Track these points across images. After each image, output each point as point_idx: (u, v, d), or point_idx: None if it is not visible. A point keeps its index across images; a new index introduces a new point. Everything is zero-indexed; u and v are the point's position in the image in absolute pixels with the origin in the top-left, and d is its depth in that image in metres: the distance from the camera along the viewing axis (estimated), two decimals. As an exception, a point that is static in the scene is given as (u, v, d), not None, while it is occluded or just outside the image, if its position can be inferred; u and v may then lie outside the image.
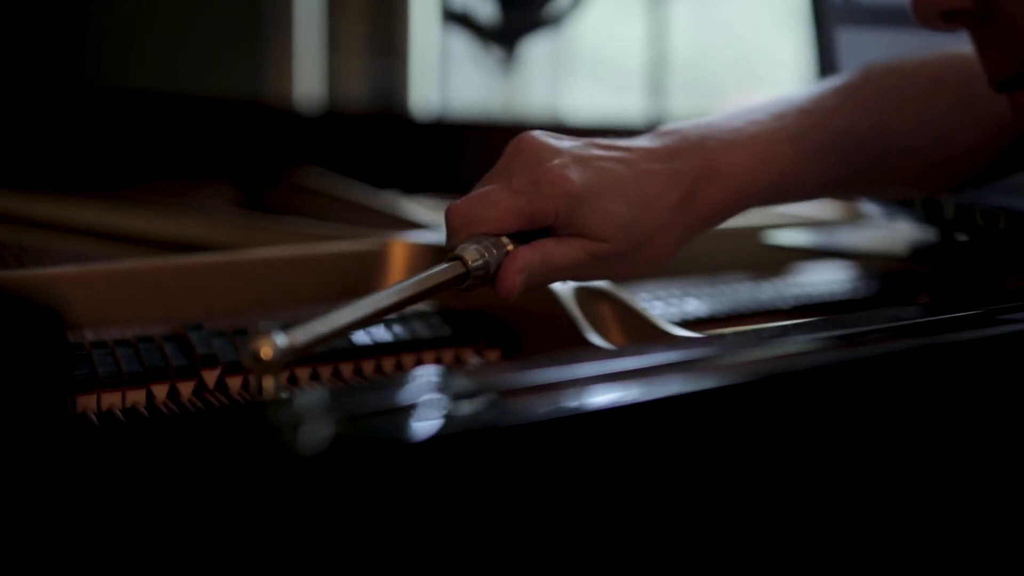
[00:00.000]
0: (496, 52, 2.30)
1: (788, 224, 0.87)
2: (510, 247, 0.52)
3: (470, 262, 0.50)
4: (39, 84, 1.71)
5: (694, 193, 0.56)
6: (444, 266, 0.50)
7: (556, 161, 0.54)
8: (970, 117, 0.64)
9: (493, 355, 0.61)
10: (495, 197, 0.53)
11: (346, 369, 0.57)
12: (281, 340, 0.41)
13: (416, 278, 0.49)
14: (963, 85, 0.63)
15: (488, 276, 0.51)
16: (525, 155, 0.55)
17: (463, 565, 0.36)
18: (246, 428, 0.38)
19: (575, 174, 0.53)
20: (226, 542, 0.33)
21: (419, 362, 0.59)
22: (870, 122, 0.62)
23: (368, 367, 0.58)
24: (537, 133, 0.56)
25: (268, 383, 0.42)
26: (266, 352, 0.41)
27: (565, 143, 0.55)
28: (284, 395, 0.43)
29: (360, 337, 0.57)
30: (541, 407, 0.38)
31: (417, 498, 0.35)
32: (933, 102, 0.64)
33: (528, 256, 0.52)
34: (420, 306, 0.61)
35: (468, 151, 1.26)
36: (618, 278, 0.60)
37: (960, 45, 0.60)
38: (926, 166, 0.65)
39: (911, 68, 0.65)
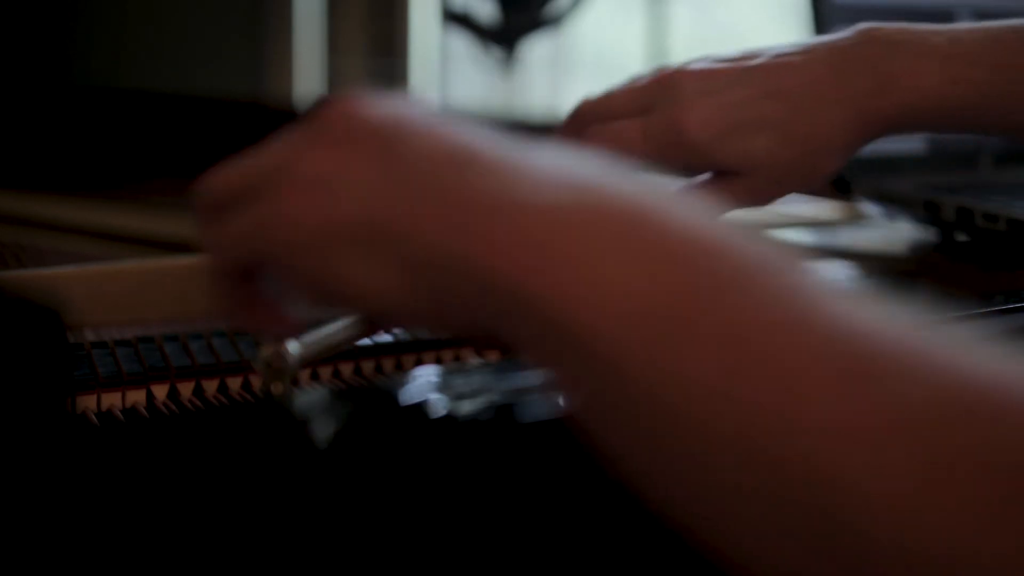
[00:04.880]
0: (496, 52, 2.30)
1: (788, 224, 0.87)
2: None
3: None
4: (39, 84, 1.71)
5: (867, 106, 0.55)
6: None
7: (697, 108, 0.53)
8: None
9: (493, 355, 0.61)
10: (628, 136, 0.54)
11: (346, 369, 0.57)
12: (293, 347, 0.42)
13: None
14: None
15: None
16: (672, 90, 0.54)
17: (462, 565, 0.36)
18: (246, 428, 0.38)
19: (712, 124, 0.53)
20: (226, 541, 0.33)
21: (419, 362, 0.59)
22: None
23: (368, 367, 0.58)
24: (689, 66, 0.55)
25: (279, 389, 0.42)
26: (278, 360, 0.41)
27: (717, 81, 0.54)
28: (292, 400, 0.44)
29: (360, 337, 0.57)
30: (541, 407, 0.38)
31: (418, 497, 0.35)
32: None
33: None
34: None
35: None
36: (780, 196, 0.59)
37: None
38: None
39: None
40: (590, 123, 0.57)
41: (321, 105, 0.35)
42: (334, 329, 0.45)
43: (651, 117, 0.54)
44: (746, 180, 0.55)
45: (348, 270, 0.33)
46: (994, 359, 0.25)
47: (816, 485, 0.24)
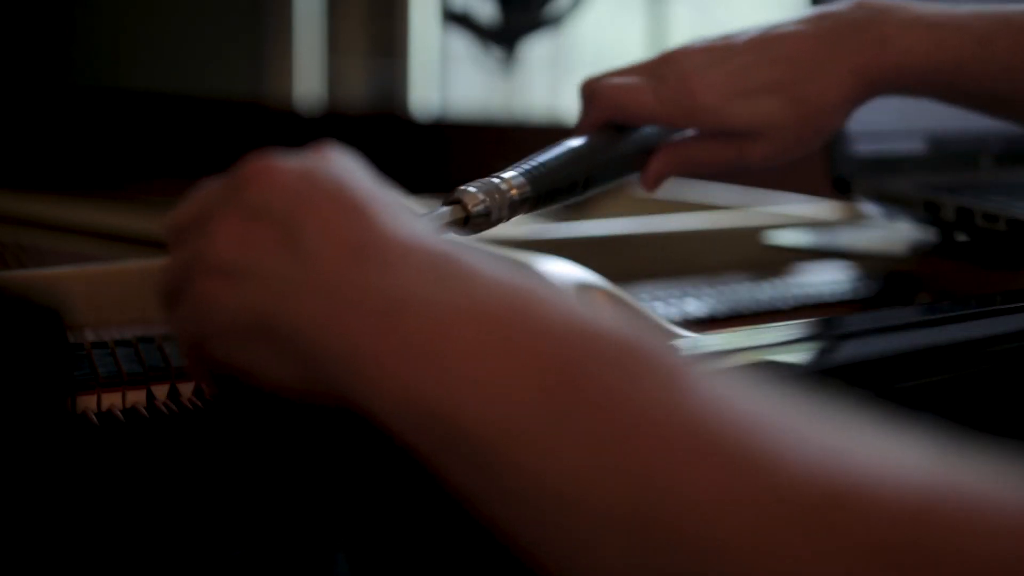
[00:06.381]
0: (496, 52, 2.30)
1: (788, 224, 0.87)
2: (514, 192, 0.51)
3: (471, 206, 0.49)
4: (41, 85, 1.71)
5: (860, 65, 0.57)
6: (443, 210, 0.49)
7: (705, 75, 0.57)
8: None
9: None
10: (642, 97, 0.57)
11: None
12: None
13: None
14: None
15: (489, 223, 0.50)
16: (678, 63, 0.57)
17: (459, 565, 0.36)
18: (246, 428, 0.37)
19: (720, 89, 0.56)
20: (226, 541, 0.33)
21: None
22: None
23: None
24: (689, 46, 0.58)
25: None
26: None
27: (720, 53, 0.58)
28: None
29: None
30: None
31: (420, 497, 0.35)
32: None
33: (679, 157, 0.58)
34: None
35: (468, 151, 1.26)
36: (785, 158, 0.61)
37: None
38: None
39: None
40: (599, 82, 0.60)
41: (241, 165, 0.36)
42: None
43: (661, 83, 0.57)
44: (753, 141, 0.58)
45: (253, 358, 0.34)
46: (863, 440, 0.26)
47: (697, 554, 0.25)
